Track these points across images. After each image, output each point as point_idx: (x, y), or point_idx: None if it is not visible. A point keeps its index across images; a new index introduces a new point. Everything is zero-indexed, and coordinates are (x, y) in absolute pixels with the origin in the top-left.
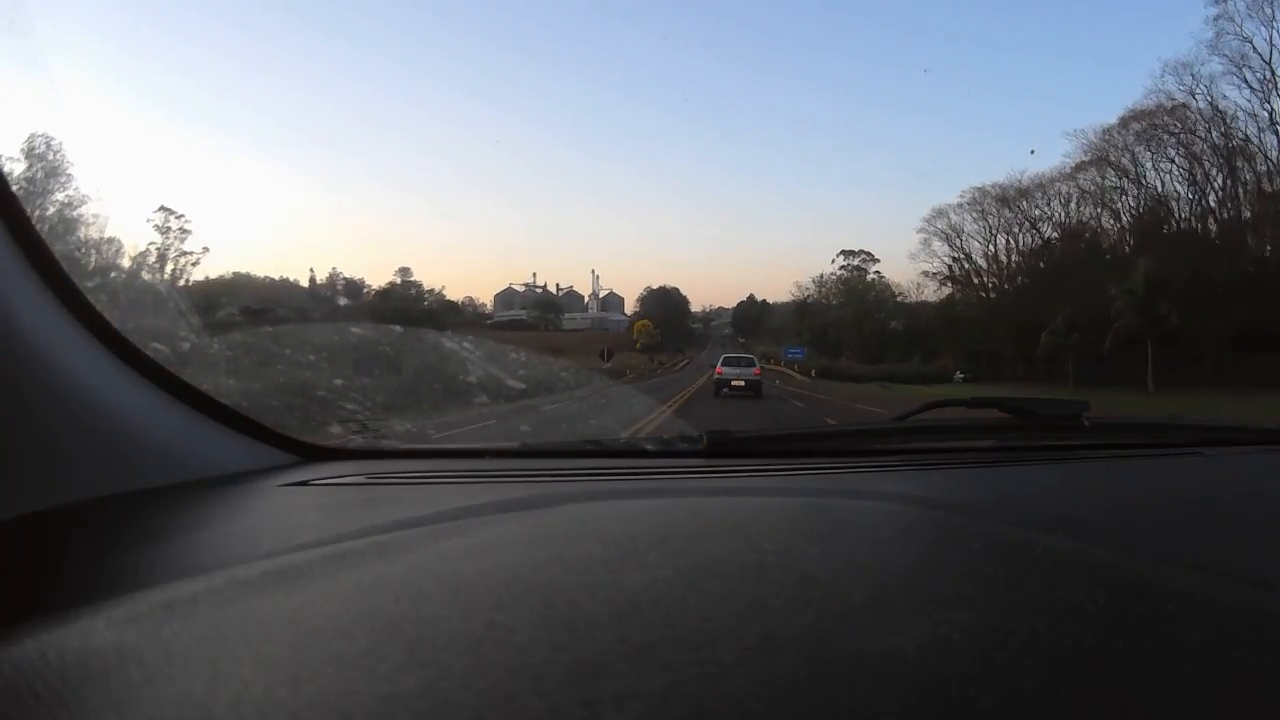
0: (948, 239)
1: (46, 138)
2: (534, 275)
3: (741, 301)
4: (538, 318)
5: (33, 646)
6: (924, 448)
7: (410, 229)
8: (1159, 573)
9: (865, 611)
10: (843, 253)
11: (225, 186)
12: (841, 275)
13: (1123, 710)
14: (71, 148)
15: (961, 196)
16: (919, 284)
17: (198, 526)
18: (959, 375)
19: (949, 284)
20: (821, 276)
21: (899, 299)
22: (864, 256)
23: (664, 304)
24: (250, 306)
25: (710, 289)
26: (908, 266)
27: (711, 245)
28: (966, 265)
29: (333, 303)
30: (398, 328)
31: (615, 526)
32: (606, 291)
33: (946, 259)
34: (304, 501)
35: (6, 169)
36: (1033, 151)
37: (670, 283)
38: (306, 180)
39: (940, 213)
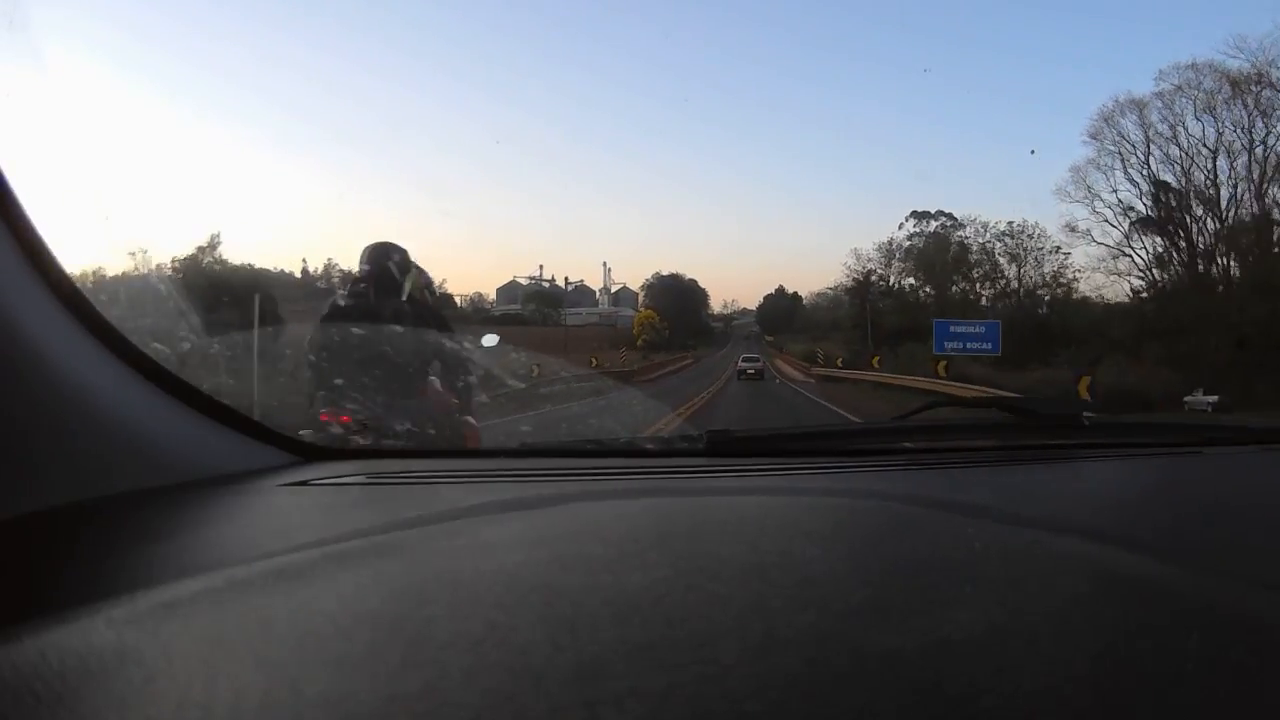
0: (1123, 156)
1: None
2: (540, 268)
3: (769, 295)
4: (534, 311)
5: (33, 646)
6: (925, 448)
7: (419, 225)
8: (1159, 573)
9: (865, 611)
10: (913, 214)
11: (218, 175)
12: (913, 245)
13: (1123, 711)
14: (70, 145)
15: (1160, 81)
16: (1062, 246)
17: (198, 526)
18: (1202, 398)
19: (1143, 233)
20: (891, 242)
21: (1054, 249)
22: (944, 220)
23: (675, 294)
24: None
25: (733, 289)
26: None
27: (734, 244)
28: (1175, 206)
29: (330, 295)
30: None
31: (616, 526)
32: (620, 286)
33: (1132, 197)
34: (304, 501)
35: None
36: (1033, 151)
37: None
38: (306, 171)
39: (1129, 107)
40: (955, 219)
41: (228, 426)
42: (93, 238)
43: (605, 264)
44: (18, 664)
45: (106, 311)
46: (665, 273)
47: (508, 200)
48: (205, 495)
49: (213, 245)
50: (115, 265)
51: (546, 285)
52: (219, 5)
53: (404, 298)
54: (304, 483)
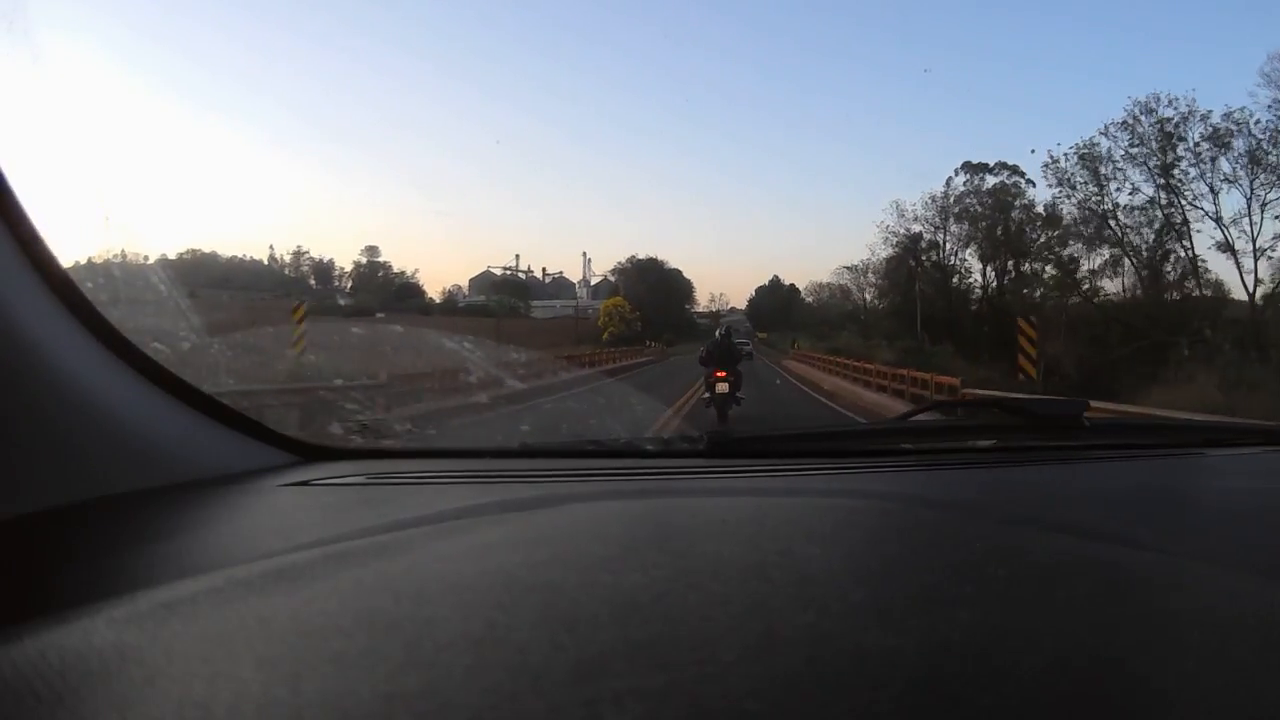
0: None
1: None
2: (516, 258)
3: (761, 287)
4: (498, 302)
5: (33, 646)
6: (925, 448)
7: (401, 218)
8: (1159, 573)
9: (865, 611)
10: (965, 166)
11: (179, 156)
12: (966, 206)
13: (1123, 710)
14: (69, 144)
15: None
16: None
17: (198, 526)
18: None
19: None
20: (947, 195)
21: None
22: (1009, 173)
23: (652, 281)
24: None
25: (723, 288)
26: None
27: (727, 243)
28: None
29: (300, 284)
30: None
31: (616, 526)
32: (600, 278)
33: None
34: (304, 501)
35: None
36: (1033, 151)
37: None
38: (280, 160)
39: None
40: (1019, 170)
41: (228, 426)
42: (93, 237)
43: (585, 254)
44: (18, 664)
45: (106, 311)
46: (643, 256)
47: (493, 195)
48: (205, 495)
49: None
50: (115, 265)
51: (523, 276)
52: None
53: (728, 338)
54: (304, 483)
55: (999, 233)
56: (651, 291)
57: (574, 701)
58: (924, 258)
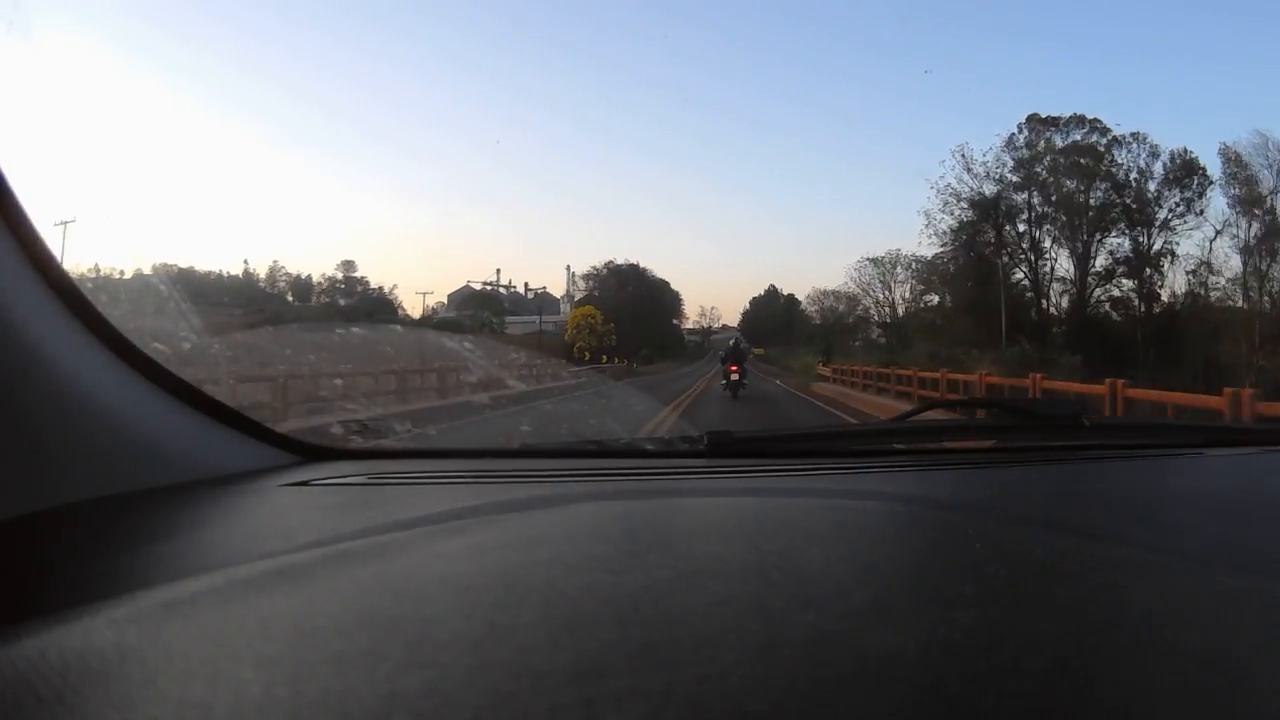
0: None
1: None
2: (497, 272)
3: (756, 297)
4: (471, 317)
5: (33, 646)
6: (925, 448)
7: (380, 230)
8: (1159, 573)
9: (866, 612)
10: (1031, 120)
11: (157, 168)
12: (1037, 171)
13: (1123, 710)
14: (70, 145)
15: None
16: None
17: (198, 526)
18: None
19: None
20: (1024, 142)
21: None
22: (1087, 128)
23: (634, 289)
24: None
25: (716, 308)
26: None
27: (715, 262)
28: None
29: (278, 299)
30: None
31: (616, 527)
32: (584, 293)
33: None
34: (305, 501)
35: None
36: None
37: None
38: (260, 167)
39: None
40: (1101, 124)
41: (228, 426)
42: (93, 238)
43: (569, 268)
44: (18, 664)
45: (107, 311)
46: (623, 261)
47: (479, 208)
48: (205, 495)
49: None
50: (115, 265)
51: (503, 291)
52: (199, 7)
53: (738, 345)
54: (304, 483)
55: (1109, 200)
56: (632, 301)
57: (574, 701)
58: (1005, 229)
